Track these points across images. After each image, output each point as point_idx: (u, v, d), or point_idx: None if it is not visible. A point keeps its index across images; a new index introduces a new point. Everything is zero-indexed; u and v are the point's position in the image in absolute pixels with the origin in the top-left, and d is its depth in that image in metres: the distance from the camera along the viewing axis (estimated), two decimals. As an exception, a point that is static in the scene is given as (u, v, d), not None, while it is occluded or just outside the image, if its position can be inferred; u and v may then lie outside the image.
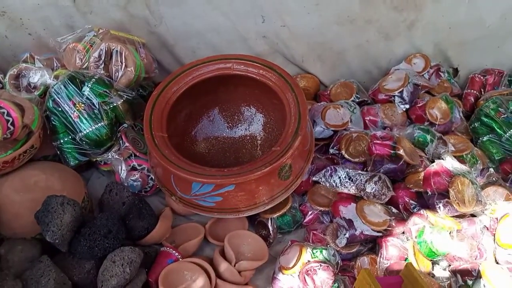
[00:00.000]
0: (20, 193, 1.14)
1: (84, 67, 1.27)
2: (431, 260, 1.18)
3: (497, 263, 1.20)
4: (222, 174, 1.10)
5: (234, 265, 1.13)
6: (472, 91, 1.73)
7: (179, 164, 1.11)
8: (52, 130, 1.25)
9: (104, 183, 1.30)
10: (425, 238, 1.15)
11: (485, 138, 1.53)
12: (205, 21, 1.47)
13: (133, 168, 1.30)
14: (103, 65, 1.27)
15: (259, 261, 1.18)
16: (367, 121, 1.52)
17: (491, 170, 1.40)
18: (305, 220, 1.31)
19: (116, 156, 1.27)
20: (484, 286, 1.12)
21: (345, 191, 1.26)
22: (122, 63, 1.25)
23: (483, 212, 1.26)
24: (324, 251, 1.15)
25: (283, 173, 1.17)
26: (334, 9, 1.54)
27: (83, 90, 1.21)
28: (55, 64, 1.34)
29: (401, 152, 1.28)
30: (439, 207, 1.19)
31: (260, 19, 1.50)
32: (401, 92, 1.53)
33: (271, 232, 1.27)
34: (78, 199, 1.16)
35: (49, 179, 1.18)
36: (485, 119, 1.55)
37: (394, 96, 1.54)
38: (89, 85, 1.20)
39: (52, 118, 1.24)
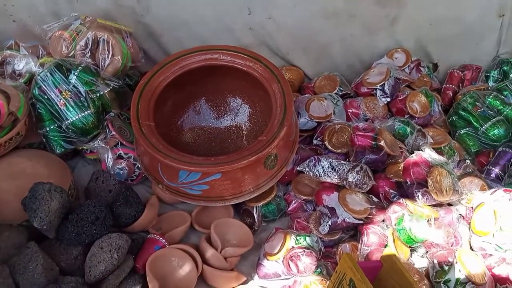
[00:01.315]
0: (7, 180, 1.14)
1: (70, 55, 1.27)
2: (409, 247, 1.23)
3: (472, 249, 1.25)
4: (209, 162, 1.12)
5: (220, 252, 1.16)
6: (451, 85, 1.78)
7: (166, 153, 1.12)
8: (37, 117, 1.25)
9: (90, 172, 1.30)
10: (404, 225, 1.20)
11: (462, 131, 1.58)
12: (192, 11, 1.48)
13: (120, 157, 1.30)
14: (89, 53, 1.27)
15: (244, 247, 1.20)
16: (349, 113, 1.55)
17: (468, 161, 1.46)
18: (289, 209, 1.34)
19: (103, 145, 1.28)
20: (460, 271, 1.16)
21: (328, 180, 1.30)
22: (109, 51, 1.25)
23: (460, 202, 1.31)
24: (307, 238, 1.18)
25: (268, 162, 1.20)
26: (319, 3, 1.57)
27: (69, 78, 1.21)
28: (40, 52, 1.33)
29: (382, 143, 1.32)
30: (418, 196, 1.23)
31: (246, 11, 1.51)
32: (383, 85, 1.57)
33: (256, 220, 1.29)
34: (65, 187, 1.16)
35: (35, 166, 1.18)
36: (463, 113, 1.60)
37: (376, 89, 1.58)
38: (76, 73, 1.21)
39: (38, 105, 1.23)
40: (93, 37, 1.25)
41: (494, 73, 1.84)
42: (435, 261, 1.20)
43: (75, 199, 1.26)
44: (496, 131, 1.52)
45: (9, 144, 1.17)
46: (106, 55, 1.25)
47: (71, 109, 1.20)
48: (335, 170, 1.29)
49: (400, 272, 0.90)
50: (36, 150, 1.26)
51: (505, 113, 1.57)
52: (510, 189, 1.29)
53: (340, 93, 1.62)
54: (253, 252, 1.24)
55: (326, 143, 1.41)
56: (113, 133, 1.28)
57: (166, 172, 1.17)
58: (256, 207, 1.29)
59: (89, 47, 1.26)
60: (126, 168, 1.29)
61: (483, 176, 1.46)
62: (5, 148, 1.16)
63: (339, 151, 1.40)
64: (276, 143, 1.15)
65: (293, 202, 1.35)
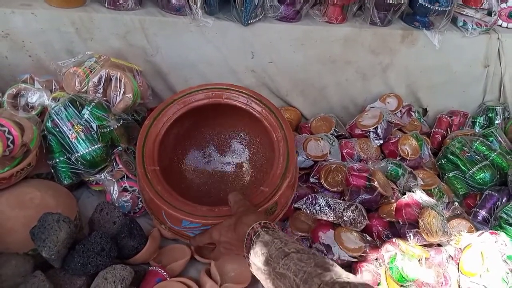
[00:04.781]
0: (16, 209, 1.17)
1: (83, 90, 1.33)
2: (401, 286, 1.28)
3: (460, 289, 1.31)
4: (213, 214, 1.15)
5: (220, 287, 1.19)
6: (440, 130, 1.88)
7: (171, 202, 1.15)
8: (48, 149, 1.29)
9: (93, 203, 1.34)
10: (397, 264, 1.25)
11: (450, 174, 1.66)
12: (198, 53, 1.57)
13: (125, 189, 1.35)
14: (101, 90, 1.34)
15: (243, 283, 1.24)
16: (344, 153, 1.62)
17: (456, 203, 1.53)
18: (286, 245, 1.39)
19: (109, 177, 1.32)
20: (449, 310, 1.22)
21: (324, 218, 1.35)
22: (120, 89, 1.32)
23: (449, 243, 1.36)
24: (304, 274, 1.22)
25: (269, 209, 1.23)
26: (317, 50, 1.67)
27: (82, 113, 1.26)
28: (53, 86, 1.39)
29: (376, 184, 1.39)
30: (410, 236, 1.29)
31: (250, 54, 1.61)
32: (376, 128, 1.65)
33: (253, 255, 1.33)
34: (71, 217, 1.19)
35: (43, 197, 1.21)
36: (451, 157, 1.68)
37: (369, 131, 1.66)
38: (89, 108, 1.26)
39: (49, 137, 1.28)
40: (106, 75, 1.32)
41: (480, 119, 1.94)
42: (426, 300, 1.25)
43: (79, 230, 1.29)
44: (482, 175, 1.59)
45: (20, 174, 1.21)
46: (118, 92, 1.31)
47: (82, 142, 1.25)
48: (331, 209, 1.35)
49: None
50: (44, 181, 1.30)
51: (491, 158, 1.65)
52: (496, 231, 1.36)
53: (336, 134, 1.70)
54: (250, 286, 1.27)
55: (323, 181, 1.47)
56: (120, 166, 1.33)
57: (170, 218, 1.20)
58: (254, 242, 1.33)
59: (102, 84, 1.33)
60: (131, 200, 1.33)
61: (470, 218, 1.52)
62: (16, 178, 1.20)
63: (334, 189, 1.47)
64: (278, 195, 1.19)
65: (290, 238, 1.39)
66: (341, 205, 1.35)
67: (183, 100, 1.33)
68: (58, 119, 1.26)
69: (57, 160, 1.29)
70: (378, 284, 1.27)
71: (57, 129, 1.27)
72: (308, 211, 1.38)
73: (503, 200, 1.54)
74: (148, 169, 1.19)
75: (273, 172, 1.23)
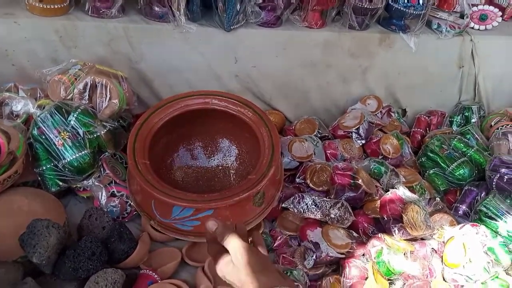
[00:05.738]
0: (3, 217, 1.16)
1: (68, 98, 1.34)
2: (388, 279, 1.31)
3: (445, 281, 1.35)
4: (203, 199, 1.19)
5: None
6: (419, 129, 1.94)
7: (161, 189, 1.18)
8: (34, 157, 1.29)
9: (81, 210, 1.33)
10: (383, 258, 1.28)
11: (431, 171, 1.71)
12: (182, 59, 1.59)
13: (113, 195, 1.35)
14: (87, 97, 1.34)
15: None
16: (328, 154, 1.66)
17: (438, 199, 1.58)
18: (275, 245, 1.40)
19: (97, 183, 1.33)
20: (434, 301, 1.25)
21: (312, 216, 1.38)
22: (106, 95, 1.33)
23: (432, 236, 1.41)
24: (294, 272, 1.25)
25: (257, 199, 1.27)
26: (298, 54, 1.71)
27: (68, 119, 1.27)
28: (38, 94, 1.39)
29: (360, 182, 1.43)
30: (395, 230, 1.33)
31: (233, 60, 1.64)
32: (358, 129, 1.70)
33: (243, 255, 1.35)
34: (60, 224, 1.19)
35: (31, 204, 1.21)
36: (431, 155, 1.74)
37: (351, 132, 1.71)
38: (75, 115, 1.27)
39: (35, 145, 1.28)
40: (91, 82, 1.33)
41: (457, 118, 2.01)
42: (412, 292, 1.28)
43: (69, 237, 1.29)
44: (461, 171, 1.64)
45: (7, 182, 1.21)
46: (104, 99, 1.33)
47: (68, 149, 1.26)
48: (318, 207, 1.38)
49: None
50: (31, 188, 1.30)
51: (469, 154, 1.71)
52: (477, 223, 1.42)
53: (319, 135, 1.74)
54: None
55: (308, 181, 1.50)
56: (107, 171, 1.33)
57: (160, 208, 1.23)
58: (244, 243, 1.35)
59: (87, 91, 1.34)
60: (119, 205, 1.34)
61: (451, 212, 1.57)
62: (2, 186, 1.20)
63: (320, 189, 1.50)
64: (265, 182, 1.23)
65: (279, 238, 1.41)
66: (327, 203, 1.38)
67: (173, 105, 1.38)
68: (44, 127, 1.26)
69: (44, 168, 1.29)
70: (366, 279, 1.30)
71: (43, 137, 1.27)
72: (296, 210, 1.40)
73: (482, 195, 1.59)
74: (139, 161, 1.22)
75: (260, 162, 1.28)
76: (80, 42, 1.46)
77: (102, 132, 1.31)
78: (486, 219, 1.47)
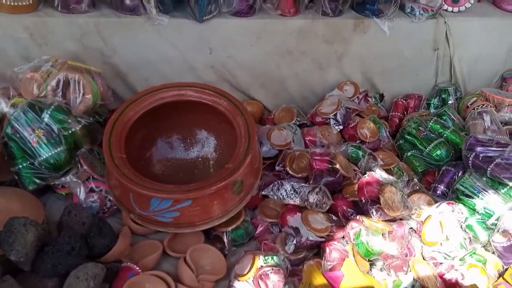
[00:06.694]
0: (-20, 217, 1.16)
1: (41, 95, 1.33)
2: (368, 260, 1.33)
3: (424, 259, 1.37)
4: (180, 189, 1.20)
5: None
6: (397, 113, 1.96)
7: (138, 182, 1.19)
8: (10, 156, 1.28)
9: (61, 207, 1.32)
10: (362, 239, 1.31)
11: (409, 154, 1.73)
12: (156, 52, 1.58)
13: (91, 190, 1.35)
14: (60, 93, 1.34)
15: (218, 275, 1.27)
16: (307, 141, 1.68)
17: (415, 180, 1.60)
18: (256, 232, 1.42)
19: (75, 179, 1.32)
20: (414, 279, 1.28)
21: (291, 202, 1.40)
22: (80, 91, 1.33)
23: (410, 217, 1.43)
24: (275, 257, 1.26)
25: (235, 188, 1.28)
26: (273, 43, 1.72)
27: (42, 116, 1.26)
28: (11, 93, 1.37)
29: (337, 166, 1.45)
30: (372, 212, 1.35)
31: (207, 51, 1.64)
32: (335, 115, 1.71)
33: (226, 245, 1.36)
34: (38, 221, 1.19)
35: (8, 203, 1.21)
36: (408, 137, 1.76)
37: (329, 118, 1.72)
38: (49, 112, 1.27)
39: (10, 144, 1.27)
40: (64, 78, 1.32)
41: (434, 101, 2.03)
42: (392, 271, 1.30)
43: (48, 234, 1.29)
44: (438, 152, 1.67)
45: (-18, 183, 1.20)
46: (78, 94, 1.32)
47: (44, 146, 1.25)
48: (297, 193, 1.39)
49: (360, 276, 0.99)
50: (9, 188, 1.29)
51: (445, 135, 1.73)
52: (453, 202, 1.44)
53: (298, 123, 1.75)
54: (225, 277, 1.30)
55: (288, 168, 1.52)
56: (85, 167, 1.33)
57: (138, 201, 1.23)
58: (226, 232, 1.36)
59: (60, 87, 1.33)
60: (98, 200, 1.34)
61: (430, 193, 1.60)
62: (-22, 186, 1.19)
63: (299, 175, 1.51)
64: (242, 170, 1.24)
65: (260, 225, 1.43)
66: (306, 189, 1.40)
67: (148, 98, 1.38)
68: (18, 125, 1.25)
69: (20, 166, 1.28)
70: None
71: (18, 135, 1.27)
72: (275, 197, 1.42)
73: (460, 174, 1.62)
74: (115, 155, 1.22)
75: (237, 151, 1.29)
76: (51, 38, 1.44)
77: (77, 128, 1.31)
78: (463, 197, 1.50)
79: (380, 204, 1.35)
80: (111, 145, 1.24)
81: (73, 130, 1.30)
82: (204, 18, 1.56)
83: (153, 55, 1.58)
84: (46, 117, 1.27)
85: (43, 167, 1.28)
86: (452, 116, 1.86)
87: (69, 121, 1.29)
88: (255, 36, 1.67)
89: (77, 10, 1.46)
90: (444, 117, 1.85)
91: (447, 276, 1.32)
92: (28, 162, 1.28)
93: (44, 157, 1.26)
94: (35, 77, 1.34)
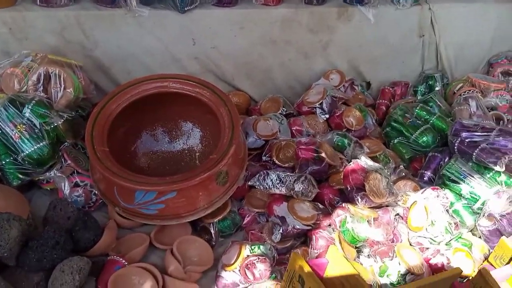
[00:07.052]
0: (-37, 213, 1.15)
1: (23, 90, 1.32)
2: (355, 247, 1.34)
3: (411, 245, 1.38)
4: (164, 181, 1.19)
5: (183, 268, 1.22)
6: (383, 101, 1.96)
7: (122, 175, 1.18)
8: (-8, 152, 1.28)
9: (46, 202, 1.32)
10: (347, 227, 1.31)
11: (396, 141, 1.74)
12: (138, 44, 1.57)
13: (76, 185, 1.35)
14: (42, 88, 1.33)
15: (205, 265, 1.27)
16: (293, 130, 1.68)
17: (402, 167, 1.61)
18: (243, 222, 1.42)
19: (59, 174, 1.32)
20: (399, 264, 1.29)
21: (277, 191, 1.40)
22: (61, 85, 1.32)
23: (397, 203, 1.44)
24: (261, 246, 1.27)
25: (220, 179, 1.28)
26: (257, 33, 1.71)
27: (23, 112, 1.26)
28: (-8, 89, 1.37)
29: (323, 155, 1.45)
30: (358, 199, 1.36)
31: (191, 42, 1.63)
32: (321, 104, 1.71)
33: (213, 235, 1.36)
34: (23, 217, 1.19)
35: (-9, 199, 1.20)
36: (395, 124, 1.77)
37: (315, 107, 1.72)
38: (30, 107, 1.26)
39: (-9, 140, 1.26)
40: (44, 72, 1.31)
41: (421, 88, 2.04)
42: (378, 257, 1.31)
43: (34, 229, 1.28)
44: (425, 138, 1.67)
45: (-35, 180, 1.19)
46: (59, 88, 1.31)
47: (26, 141, 1.25)
48: (282, 182, 1.39)
49: (344, 262, 0.99)
50: (-8, 184, 1.29)
51: (431, 121, 1.74)
52: (437, 187, 1.45)
53: (284, 113, 1.75)
54: (212, 268, 1.30)
55: (274, 158, 1.52)
56: (69, 162, 1.32)
57: (123, 194, 1.23)
58: (212, 223, 1.36)
59: (41, 81, 1.32)
60: (83, 195, 1.33)
61: (417, 179, 1.60)
62: (-40, 183, 1.19)
63: (286, 165, 1.51)
64: (226, 160, 1.24)
65: (247, 216, 1.43)
66: (291, 178, 1.40)
67: (130, 91, 1.37)
68: (-1, 121, 1.25)
69: (3, 162, 1.28)
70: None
71: (0, 131, 1.25)
72: (262, 187, 1.42)
73: (446, 160, 1.63)
74: (98, 149, 1.22)
75: (221, 142, 1.29)
76: (31, 33, 1.43)
77: (59, 122, 1.30)
78: (450, 182, 1.51)
79: (365, 191, 1.36)
80: (94, 139, 1.23)
81: (55, 124, 1.29)
82: (186, 8, 1.55)
83: (135, 48, 1.57)
84: (27, 112, 1.26)
85: (26, 162, 1.27)
86: (439, 102, 1.87)
87: (51, 115, 1.28)
88: (238, 26, 1.66)
89: (56, 4, 1.45)
90: (431, 104, 1.86)
91: (433, 261, 1.33)
92: (12, 158, 1.28)
93: (27, 152, 1.26)
94: (16, 72, 1.33)
